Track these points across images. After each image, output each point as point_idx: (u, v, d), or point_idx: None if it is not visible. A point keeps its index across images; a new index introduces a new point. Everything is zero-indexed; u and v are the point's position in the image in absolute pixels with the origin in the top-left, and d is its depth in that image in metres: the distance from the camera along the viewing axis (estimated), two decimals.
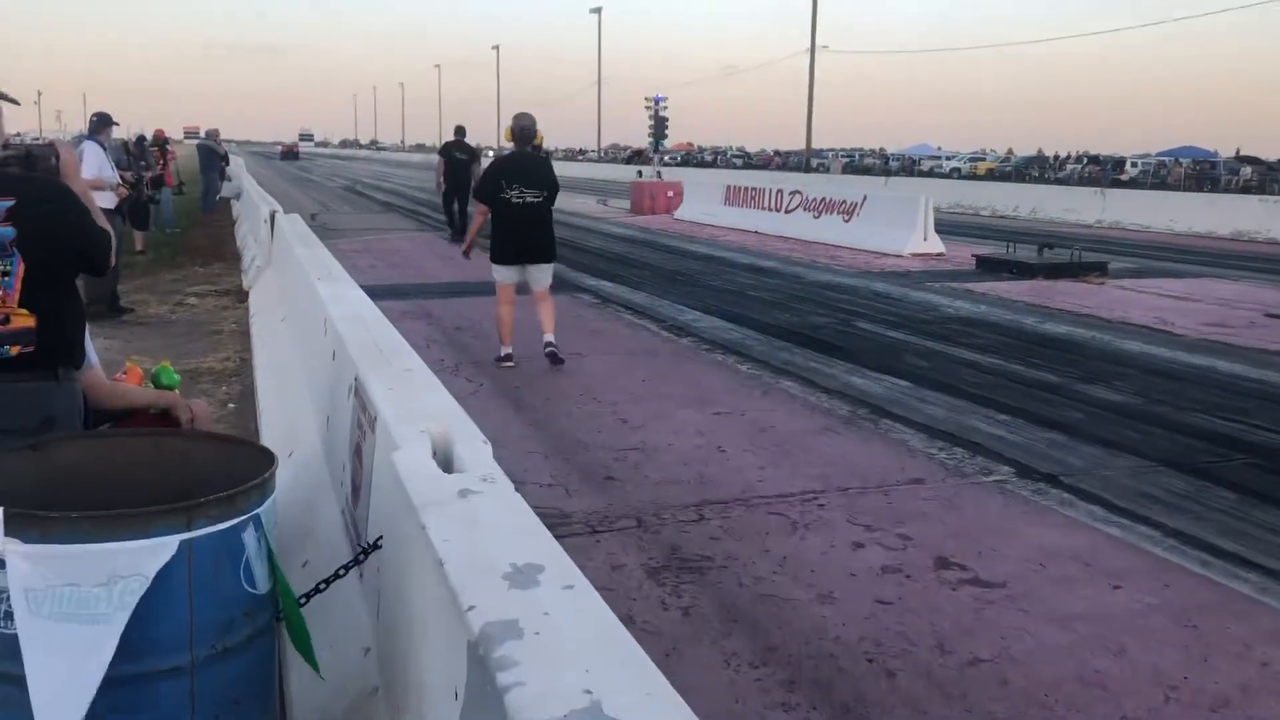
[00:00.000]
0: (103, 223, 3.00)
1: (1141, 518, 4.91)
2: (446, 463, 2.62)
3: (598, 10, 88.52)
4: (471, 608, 1.71)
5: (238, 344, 8.45)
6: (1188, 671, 3.45)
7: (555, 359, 7.97)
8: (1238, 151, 60.79)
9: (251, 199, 16.34)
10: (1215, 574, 4.30)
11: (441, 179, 18.46)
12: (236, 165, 30.29)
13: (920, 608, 3.91)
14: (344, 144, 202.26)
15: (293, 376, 5.81)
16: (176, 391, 3.70)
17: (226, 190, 25.32)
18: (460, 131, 18.59)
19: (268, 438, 5.20)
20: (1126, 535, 4.71)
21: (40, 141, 3.68)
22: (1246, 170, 54.20)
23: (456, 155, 18.18)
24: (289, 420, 5.23)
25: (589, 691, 1.43)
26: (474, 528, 2.08)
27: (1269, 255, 18.64)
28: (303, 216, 11.68)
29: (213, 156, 23.89)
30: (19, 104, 3.09)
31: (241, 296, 10.74)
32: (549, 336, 8.07)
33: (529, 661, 1.53)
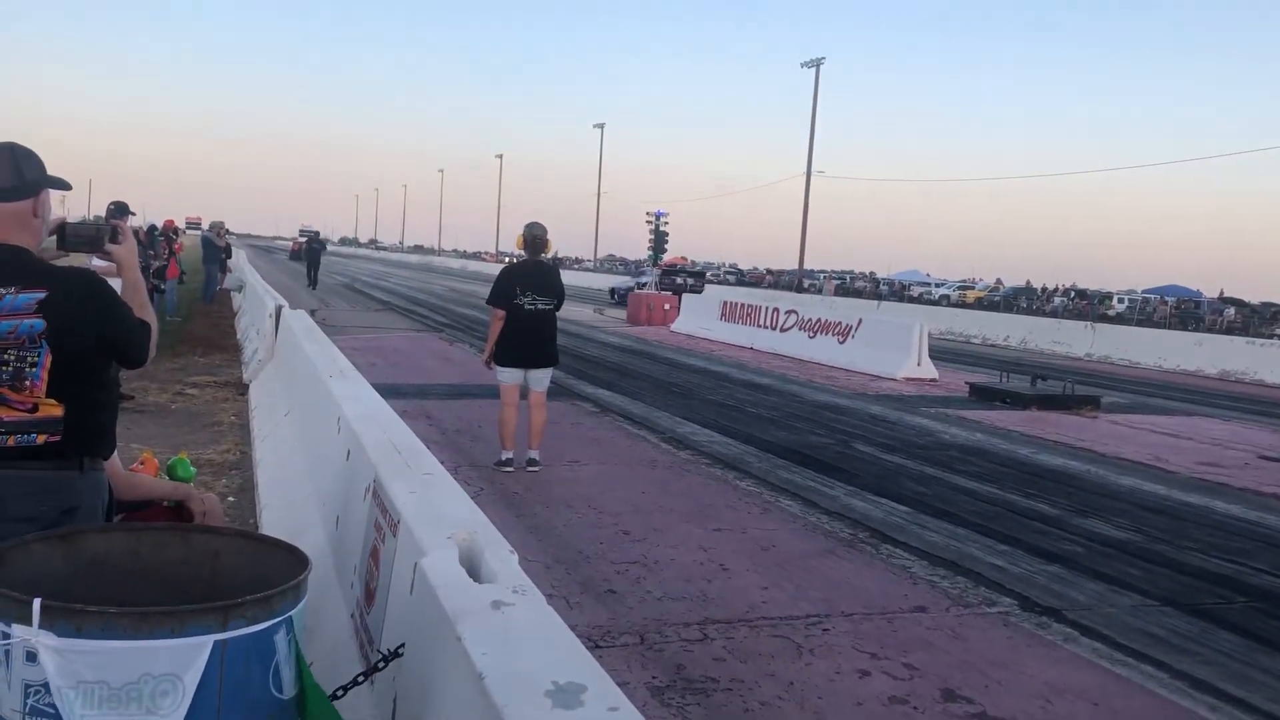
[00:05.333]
0: (147, 314, 2.99)
1: (1146, 657, 4.87)
2: (473, 571, 2.61)
3: (600, 126, 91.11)
4: None
5: (237, 436, 8.42)
6: None
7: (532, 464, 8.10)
8: (1221, 292, 61.95)
9: (255, 292, 16.44)
10: (1223, 719, 4.25)
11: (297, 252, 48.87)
12: (239, 258, 30.57)
13: None
14: (343, 241, 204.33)
15: (297, 473, 5.78)
16: (191, 484, 3.69)
17: (228, 282, 25.52)
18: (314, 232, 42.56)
19: (270, 533, 5.15)
20: (1132, 675, 4.66)
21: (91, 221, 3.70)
22: (1230, 311, 55.13)
23: (313, 245, 38.10)
24: (292, 517, 5.18)
25: None
26: (511, 641, 2.07)
27: (1257, 396, 18.83)
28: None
29: (214, 249, 24.15)
30: (71, 188, 3.11)
31: (241, 389, 10.74)
32: (533, 453, 8.11)
33: None
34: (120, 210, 10.22)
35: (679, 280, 42.78)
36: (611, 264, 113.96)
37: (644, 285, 39.15)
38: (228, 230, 29.64)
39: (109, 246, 3.05)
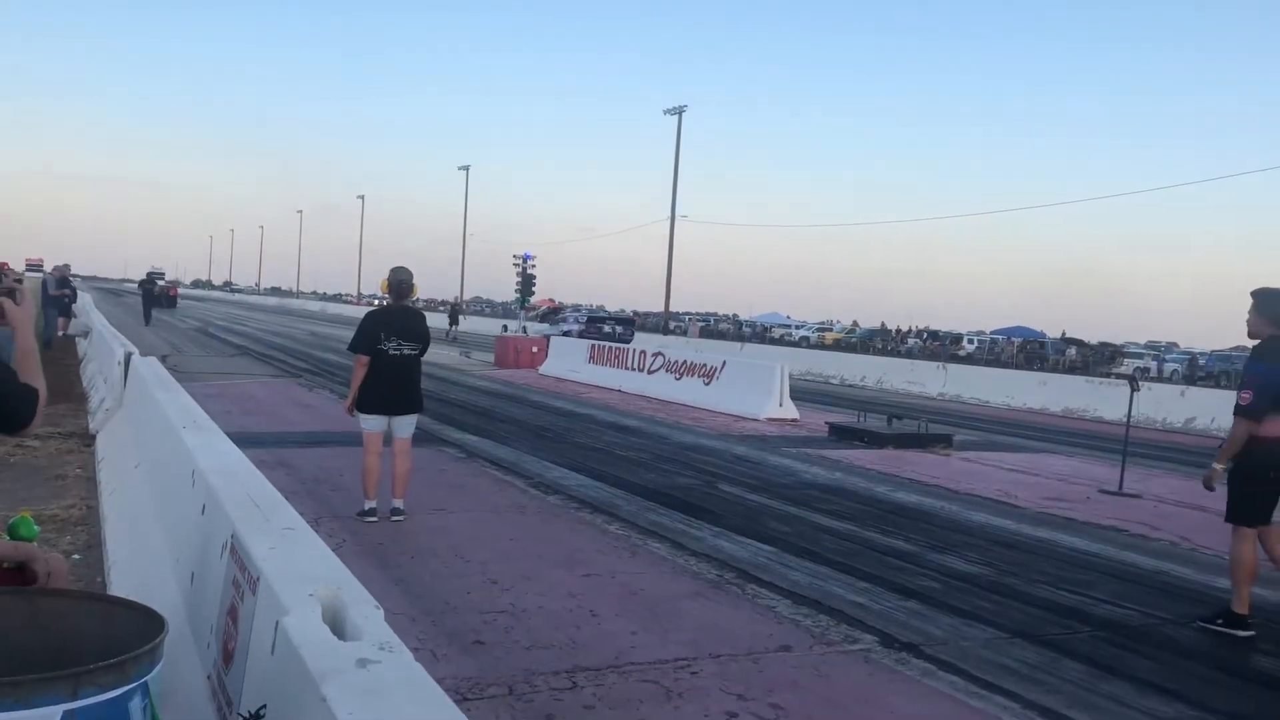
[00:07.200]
0: (37, 379, 2.80)
1: (999, 688, 5.07)
2: (338, 628, 2.56)
3: (465, 168, 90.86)
4: None
5: (83, 490, 8.03)
6: None
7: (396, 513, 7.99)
8: (1063, 333, 65.22)
9: (103, 338, 15.76)
10: None
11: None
12: (85, 302, 29.24)
13: None
14: (196, 284, 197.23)
15: (148, 528, 5.55)
16: (35, 544, 3.51)
17: (74, 328, 24.40)
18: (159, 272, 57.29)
19: (119, 592, 4.93)
20: (986, 706, 4.84)
21: None
22: (1072, 351, 58.13)
23: (145, 285, 42.97)
24: (143, 574, 4.98)
25: None
26: (378, 700, 2.04)
27: (1097, 433, 19.84)
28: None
29: (49, 293, 23.10)
30: None
31: (88, 439, 10.25)
32: (398, 502, 8.00)
33: None
34: None
35: (606, 329, 41.28)
36: (480, 306, 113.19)
37: (569, 333, 37.98)
38: (73, 273, 28.39)
39: (5, 306, 2.89)
